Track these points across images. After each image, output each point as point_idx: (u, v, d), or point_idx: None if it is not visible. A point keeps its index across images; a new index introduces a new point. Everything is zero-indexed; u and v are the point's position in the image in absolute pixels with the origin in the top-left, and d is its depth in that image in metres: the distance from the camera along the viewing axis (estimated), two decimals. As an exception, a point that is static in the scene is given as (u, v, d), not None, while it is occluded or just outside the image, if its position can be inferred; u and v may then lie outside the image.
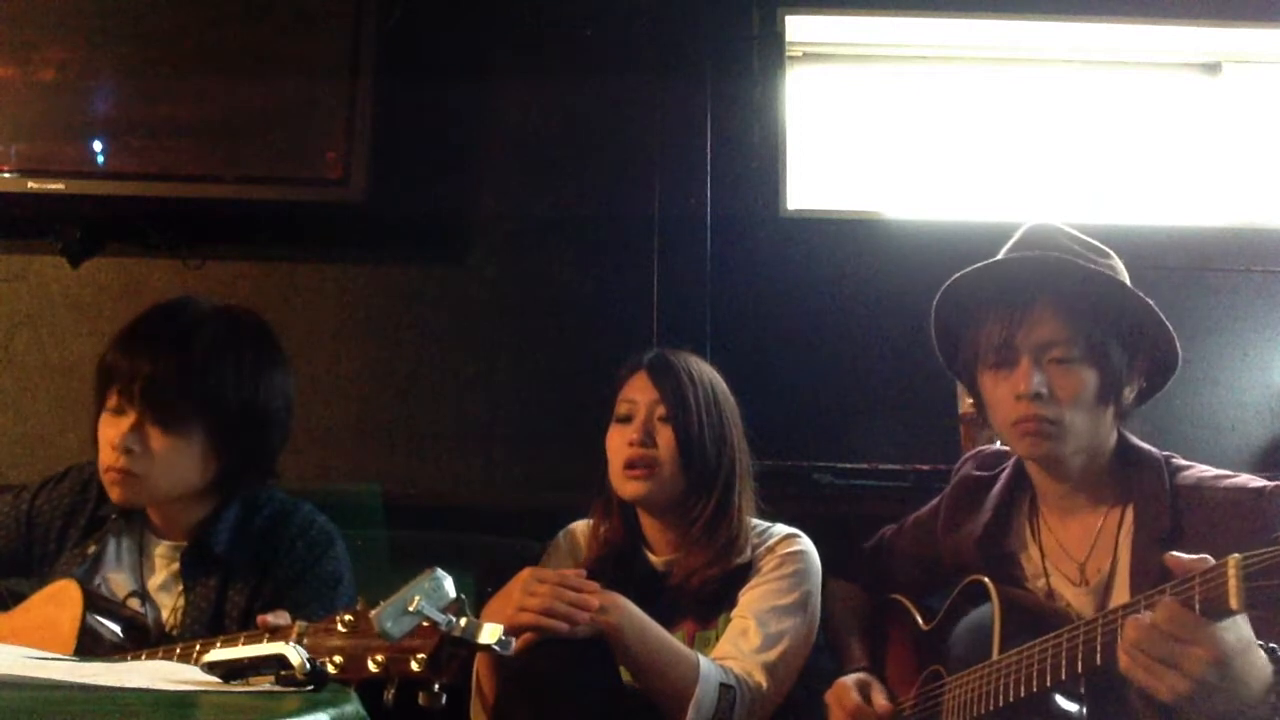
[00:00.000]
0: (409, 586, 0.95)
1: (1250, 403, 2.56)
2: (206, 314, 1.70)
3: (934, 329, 1.66)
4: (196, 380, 1.62)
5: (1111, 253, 1.58)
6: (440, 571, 0.97)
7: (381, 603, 0.94)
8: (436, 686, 0.97)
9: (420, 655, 0.95)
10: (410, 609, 0.93)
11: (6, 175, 2.40)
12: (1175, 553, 1.17)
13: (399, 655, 0.96)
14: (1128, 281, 1.55)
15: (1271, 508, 1.37)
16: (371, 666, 0.96)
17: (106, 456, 1.62)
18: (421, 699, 0.98)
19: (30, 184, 2.39)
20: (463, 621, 0.96)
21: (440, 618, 0.95)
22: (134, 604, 1.68)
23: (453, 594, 0.96)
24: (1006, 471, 1.68)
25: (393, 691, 0.97)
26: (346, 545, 1.79)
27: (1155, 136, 2.83)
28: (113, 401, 1.63)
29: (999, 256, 1.60)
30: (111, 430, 1.62)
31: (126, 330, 1.68)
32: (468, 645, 0.97)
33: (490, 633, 0.97)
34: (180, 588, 1.69)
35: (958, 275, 1.59)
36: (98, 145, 2.45)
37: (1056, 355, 1.49)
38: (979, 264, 1.57)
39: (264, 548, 1.69)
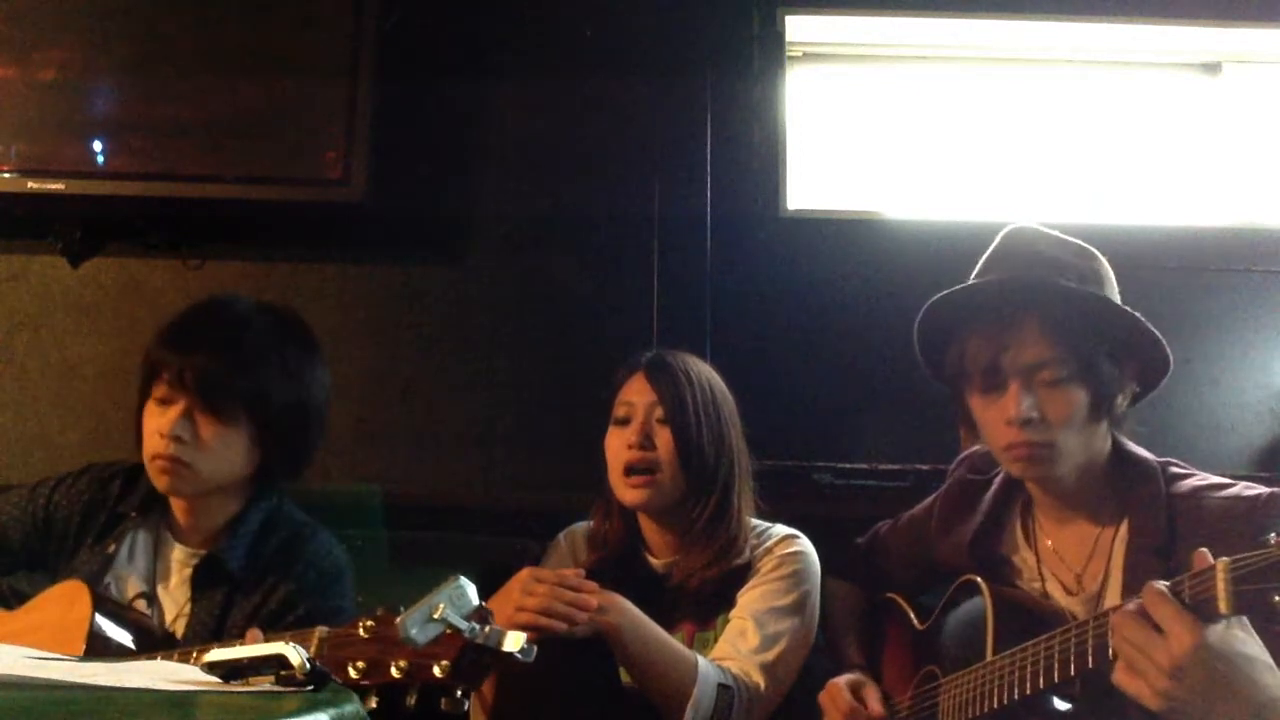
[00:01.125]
0: (433, 594, 0.95)
1: (1250, 403, 2.55)
2: (253, 311, 1.74)
3: (918, 349, 1.63)
4: (246, 373, 1.65)
5: (1096, 252, 1.55)
6: (464, 579, 0.98)
7: (405, 609, 0.95)
8: (459, 693, 0.98)
9: (444, 662, 0.96)
10: (435, 616, 0.94)
11: (6, 175, 2.40)
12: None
13: (422, 661, 0.96)
14: (1113, 280, 1.53)
15: (1266, 516, 1.36)
16: (394, 672, 0.97)
17: (155, 445, 1.64)
18: (444, 704, 0.99)
19: (30, 184, 2.38)
20: (486, 629, 0.97)
21: (464, 625, 0.96)
22: (141, 605, 1.68)
23: (476, 601, 0.97)
24: (1000, 475, 1.66)
25: (414, 697, 0.98)
26: (346, 546, 1.80)
27: (1155, 136, 2.83)
28: (160, 392, 1.66)
29: (977, 270, 1.57)
30: (160, 419, 1.64)
31: (173, 325, 1.71)
32: (490, 653, 0.98)
33: (513, 640, 0.98)
34: (188, 595, 1.70)
35: (936, 298, 1.56)
36: (98, 145, 2.44)
37: (1045, 378, 1.46)
38: (958, 287, 1.54)
39: (273, 570, 1.70)
